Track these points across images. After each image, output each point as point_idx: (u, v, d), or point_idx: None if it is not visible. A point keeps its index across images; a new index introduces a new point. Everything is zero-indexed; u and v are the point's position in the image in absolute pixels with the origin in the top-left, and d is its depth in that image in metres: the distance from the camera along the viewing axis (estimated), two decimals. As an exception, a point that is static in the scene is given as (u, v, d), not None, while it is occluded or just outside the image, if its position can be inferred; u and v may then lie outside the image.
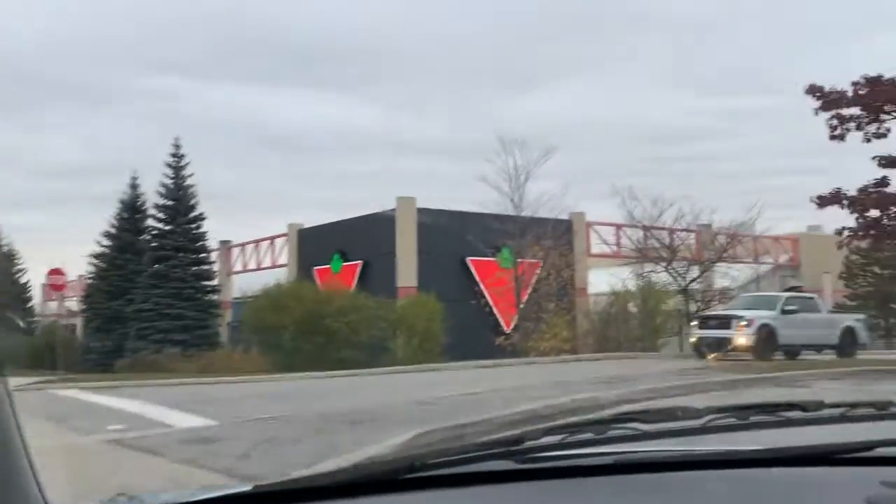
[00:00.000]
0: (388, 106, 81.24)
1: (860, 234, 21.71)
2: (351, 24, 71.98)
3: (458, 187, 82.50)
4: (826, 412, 1.62)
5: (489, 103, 72.26)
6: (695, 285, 29.86)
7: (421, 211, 27.42)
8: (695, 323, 22.89)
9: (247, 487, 1.39)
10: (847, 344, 22.57)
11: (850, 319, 24.30)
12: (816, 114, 21.96)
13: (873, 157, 21.67)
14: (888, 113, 21.73)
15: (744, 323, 20.73)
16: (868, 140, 22.28)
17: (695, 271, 29.73)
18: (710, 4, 71.83)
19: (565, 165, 57.76)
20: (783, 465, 1.55)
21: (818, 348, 22.61)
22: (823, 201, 22.02)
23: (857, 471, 1.57)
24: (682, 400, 11.23)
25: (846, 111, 22.08)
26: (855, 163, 43.72)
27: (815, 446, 1.58)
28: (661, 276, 29.31)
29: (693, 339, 22.37)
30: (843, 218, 22.29)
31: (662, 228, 29.94)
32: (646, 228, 29.82)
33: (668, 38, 73.47)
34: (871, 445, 1.56)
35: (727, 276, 31.80)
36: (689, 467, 1.54)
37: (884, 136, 22.15)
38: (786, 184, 66.82)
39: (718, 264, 30.66)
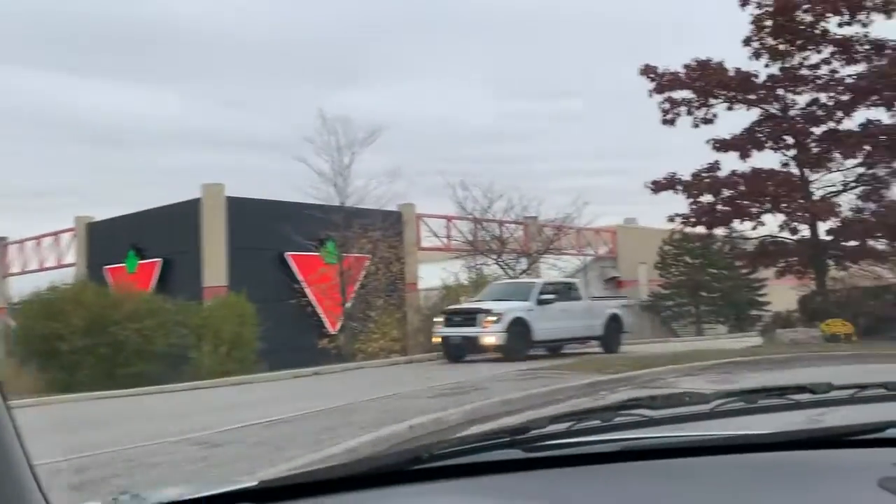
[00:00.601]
0: (200, 99, 75.30)
1: (692, 220, 20.60)
2: (158, 14, 65.67)
3: (274, 182, 77.38)
4: (835, 394, 1.55)
5: (312, 99, 68.55)
6: (524, 277, 28.52)
7: (231, 200, 23.50)
8: (439, 319, 18.57)
9: (252, 483, 1.32)
10: (613, 333, 19.36)
11: (614, 305, 20.90)
12: (650, 95, 20.68)
13: (707, 141, 20.66)
14: (716, 97, 20.74)
15: (492, 318, 16.97)
16: (696, 125, 21.27)
17: (524, 263, 28.39)
18: (533, 9, 72.11)
19: (394, 162, 55.32)
20: (793, 449, 1.50)
21: (581, 341, 19.37)
22: (658, 186, 20.71)
23: (868, 452, 1.50)
24: (542, 411, 8.83)
25: (678, 94, 20.95)
26: (667, 163, 44.08)
27: (825, 429, 1.51)
28: (492, 269, 27.67)
29: (436, 339, 18.29)
30: (657, 210, 21.15)
31: (492, 220, 28.33)
32: (476, 221, 28.05)
33: (490, 40, 73.11)
34: (882, 427, 1.48)
35: (554, 267, 30.71)
36: (697, 453, 1.48)
37: (710, 121, 21.19)
38: (602, 182, 68.28)
39: (546, 256, 29.53)
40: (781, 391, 1.55)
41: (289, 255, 24.39)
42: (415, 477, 1.34)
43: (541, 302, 17.87)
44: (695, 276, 39.05)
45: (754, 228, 20.89)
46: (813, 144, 19.83)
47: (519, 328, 17.11)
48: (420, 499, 1.32)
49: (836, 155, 19.50)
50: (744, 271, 39.58)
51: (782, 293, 36.71)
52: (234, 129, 70.10)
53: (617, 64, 68.08)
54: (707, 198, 20.26)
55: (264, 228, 22.53)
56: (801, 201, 18.93)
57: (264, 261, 23.52)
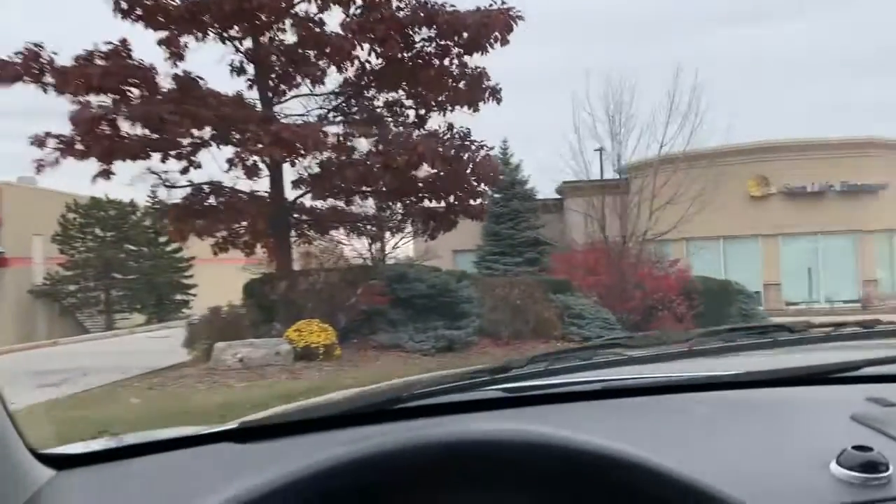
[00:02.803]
0: None
1: (77, 143, 10.44)
2: None
3: None
4: (813, 333, 1.51)
5: None
6: None
7: None
8: None
9: (231, 425, 1.25)
10: None
11: None
12: None
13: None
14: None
15: None
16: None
17: None
18: None
19: None
20: (770, 386, 1.43)
21: None
22: (5, 72, 9.94)
23: (843, 389, 1.46)
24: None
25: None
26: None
27: (801, 367, 1.46)
28: None
29: None
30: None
31: None
32: None
33: None
34: (857, 365, 1.44)
35: None
36: (676, 390, 1.42)
37: None
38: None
39: None
40: (762, 330, 1.51)
41: None
42: (395, 416, 1.24)
43: None
44: (106, 252, 28.64)
45: (186, 171, 11.92)
46: (284, 42, 11.63)
47: None
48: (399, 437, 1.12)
49: (321, 63, 11.66)
50: (169, 248, 30.86)
51: (214, 273, 28.62)
52: None
53: None
54: (104, 101, 10.39)
55: None
56: (266, 125, 10.46)
57: None
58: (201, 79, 11.38)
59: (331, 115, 12.39)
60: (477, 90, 12.18)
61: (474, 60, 12.05)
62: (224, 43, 11.51)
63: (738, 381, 1.41)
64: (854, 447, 1.06)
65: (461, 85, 12.28)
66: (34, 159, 10.43)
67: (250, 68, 12.17)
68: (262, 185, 12.26)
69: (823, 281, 27.38)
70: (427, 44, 11.59)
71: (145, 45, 11.56)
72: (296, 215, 13.28)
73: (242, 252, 13.43)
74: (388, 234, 15.27)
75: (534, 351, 14.65)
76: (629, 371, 1.40)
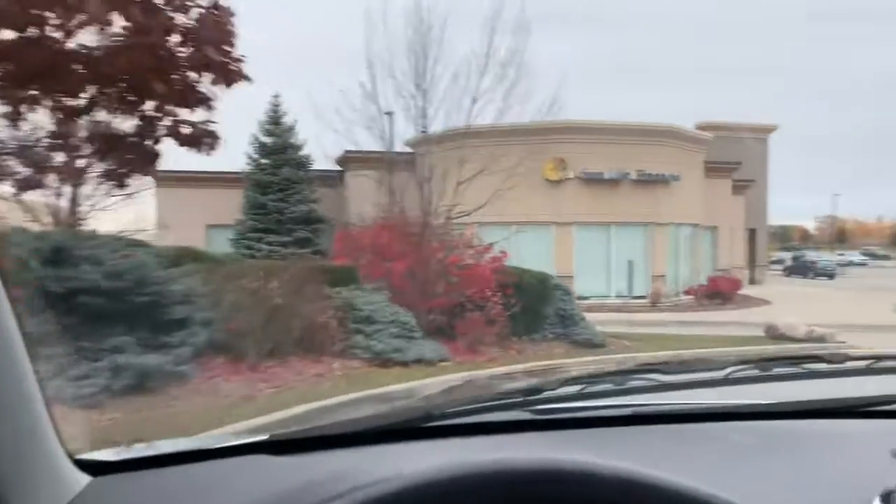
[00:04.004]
0: None
1: None
2: None
3: None
4: (850, 364, 1.42)
5: None
6: None
7: None
8: None
9: (264, 436, 1.18)
10: None
11: None
12: None
13: None
14: None
15: None
16: None
17: None
18: None
19: None
20: (806, 418, 1.37)
21: None
22: None
23: (882, 423, 1.40)
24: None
25: None
26: None
27: (838, 399, 1.40)
28: None
29: None
30: None
31: None
32: None
33: None
34: (895, 399, 1.38)
35: None
36: (709, 419, 1.35)
37: None
38: None
39: None
40: (796, 360, 1.41)
41: None
42: (426, 434, 1.21)
43: None
44: None
45: None
46: None
47: None
48: (429, 456, 1.08)
49: None
50: None
51: None
52: None
53: None
54: None
55: None
56: None
57: None
58: None
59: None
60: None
61: None
62: None
63: (774, 411, 1.35)
64: None
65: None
66: None
67: None
68: None
69: (615, 275, 25.07)
70: None
71: None
72: None
73: None
74: (63, 184, 8.87)
75: (301, 378, 9.40)
76: (663, 397, 1.32)
